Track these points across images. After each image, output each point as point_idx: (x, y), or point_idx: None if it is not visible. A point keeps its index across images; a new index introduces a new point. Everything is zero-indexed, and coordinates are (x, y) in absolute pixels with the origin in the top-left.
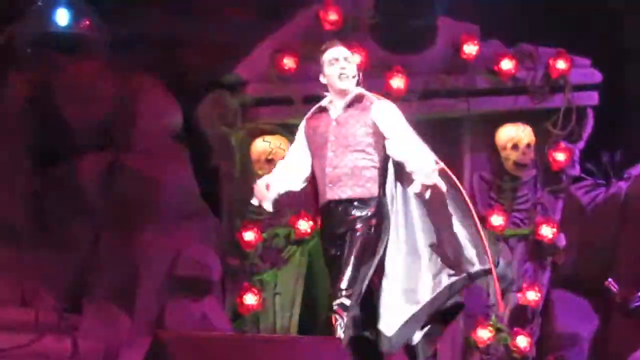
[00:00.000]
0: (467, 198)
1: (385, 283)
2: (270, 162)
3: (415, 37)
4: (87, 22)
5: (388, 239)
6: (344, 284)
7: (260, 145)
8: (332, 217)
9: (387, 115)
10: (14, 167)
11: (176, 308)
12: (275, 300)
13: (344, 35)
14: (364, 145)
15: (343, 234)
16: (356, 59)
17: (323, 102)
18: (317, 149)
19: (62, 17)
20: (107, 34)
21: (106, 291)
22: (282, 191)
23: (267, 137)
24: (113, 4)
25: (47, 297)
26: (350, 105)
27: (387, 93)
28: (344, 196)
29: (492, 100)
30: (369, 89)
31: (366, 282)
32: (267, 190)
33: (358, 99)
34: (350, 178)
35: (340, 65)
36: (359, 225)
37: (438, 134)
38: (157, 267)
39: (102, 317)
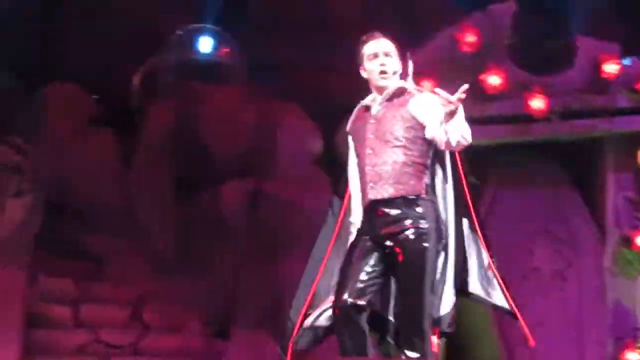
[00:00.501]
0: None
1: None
2: None
3: (554, 58)
4: (227, 50)
5: (446, 244)
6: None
7: None
8: (375, 218)
9: (425, 103)
10: (162, 197)
11: None
12: None
13: (482, 56)
14: (404, 141)
15: (389, 236)
16: (396, 52)
17: (365, 101)
18: (358, 148)
19: (203, 45)
20: (247, 61)
21: (252, 317)
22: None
23: None
24: (252, 31)
25: (194, 324)
26: (389, 100)
27: (528, 114)
28: (386, 195)
29: (634, 120)
30: (509, 110)
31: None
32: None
33: (398, 93)
34: (392, 176)
35: (380, 61)
36: (407, 232)
37: (579, 154)
38: None
39: (249, 343)
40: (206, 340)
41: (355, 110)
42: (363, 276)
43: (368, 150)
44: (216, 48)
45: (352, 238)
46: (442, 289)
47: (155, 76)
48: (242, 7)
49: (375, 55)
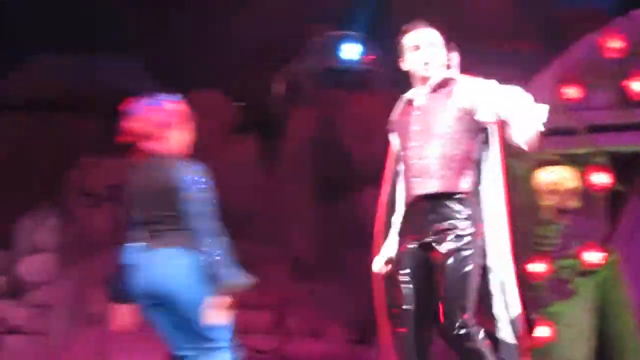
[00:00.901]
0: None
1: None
2: (555, 192)
3: None
4: (373, 57)
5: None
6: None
7: (545, 176)
8: (418, 213)
9: (471, 88)
10: (304, 202)
11: None
12: (565, 333)
13: (627, 62)
14: (452, 133)
15: (432, 234)
16: (441, 41)
17: (408, 94)
18: (402, 141)
19: (346, 52)
20: (391, 68)
21: None
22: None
23: (552, 168)
24: (395, 37)
25: (336, 329)
26: (434, 90)
27: None
28: (432, 190)
29: None
30: None
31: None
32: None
33: (443, 83)
34: (438, 170)
35: (423, 52)
36: (451, 233)
37: None
38: None
39: (390, 348)
40: (348, 345)
41: (399, 104)
42: (415, 289)
43: (413, 143)
44: (360, 55)
45: (393, 240)
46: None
47: (297, 83)
48: (387, 14)
49: (417, 47)
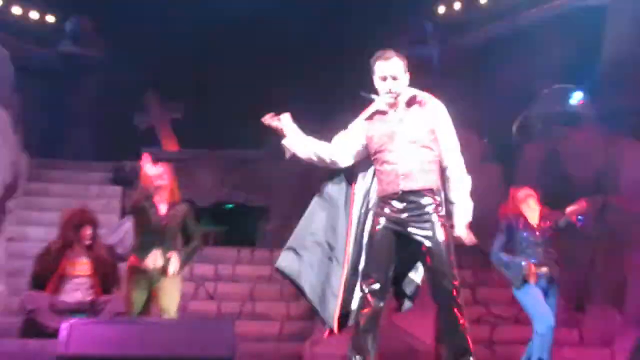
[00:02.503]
0: None
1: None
2: None
3: None
4: (582, 102)
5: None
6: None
7: None
8: (403, 204)
9: (441, 115)
10: None
11: None
12: None
13: None
14: (427, 142)
15: (414, 219)
16: (402, 70)
17: (380, 107)
18: (383, 144)
19: (573, 98)
20: (596, 109)
21: (602, 296)
22: (319, 150)
23: None
24: (602, 84)
25: (560, 300)
26: (408, 104)
27: None
28: (415, 187)
29: None
30: None
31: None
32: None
33: (413, 98)
34: (420, 171)
35: (388, 84)
36: (433, 218)
37: None
38: None
39: (600, 314)
40: (568, 312)
41: (368, 114)
42: (390, 266)
43: (400, 147)
44: (579, 100)
45: (369, 224)
46: None
47: (529, 123)
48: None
49: (384, 78)
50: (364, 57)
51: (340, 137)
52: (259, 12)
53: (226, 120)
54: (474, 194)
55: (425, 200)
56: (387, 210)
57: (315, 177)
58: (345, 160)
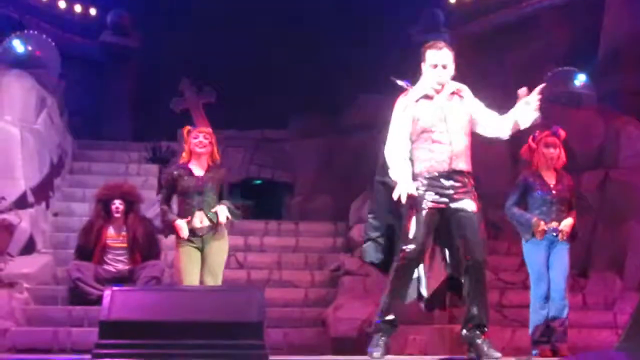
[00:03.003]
0: None
1: None
2: None
3: None
4: (583, 83)
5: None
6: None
7: None
8: (450, 182)
9: (474, 101)
10: None
11: None
12: None
13: None
14: (468, 130)
15: (457, 196)
16: (451, 60)
17: (428, 92)
18: (434, 125)
19: (577, 80)
20: (596, 90)
21: (604, 262)
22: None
23: None
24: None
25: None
26: (452, 94)
27: None
28: (464, 168)
29: None
30: None
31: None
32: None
33: (457, 90)
34: (465, 154)
35: (438, 72)
36: (471, 195)
37: None
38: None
39: (602, 280)
40: (572, 278)
41: (416, 96)
42: (426, 236)
43: (449, 131)
44: (576, 83)
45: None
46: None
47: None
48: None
49: (435, 66)
50: (381, 44)
51: (401, 130)
52: None
53: (254, 101)
54: (483, 172)
55: (467, 180)
56: (435, 185)
57: (336, 154)
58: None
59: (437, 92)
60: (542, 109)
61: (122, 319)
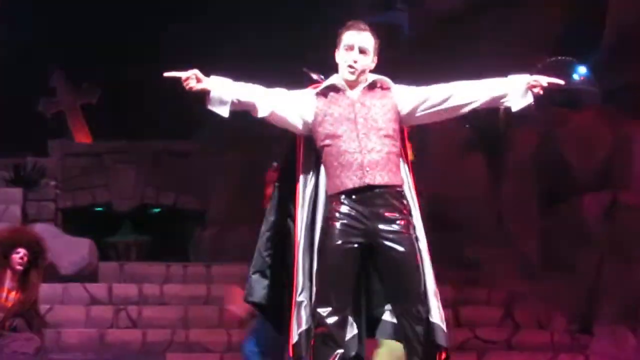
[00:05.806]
0: None
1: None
2: None
3: None
4: (583, 78)
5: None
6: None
7: None
8: (363, 201)
9: (406, 90)
10: (527, 208)
11: None
12: None
13: None
14: (391, 131)
15: (381, 222)
16: (373, 48)
17: (335, 81)
18: (341, 128)
19: (575, 73)
20: (599, 86)
21: (614, 313)
22: (255, 95)
23: None
24: (605, 58)
25: (560, 321)
26: (369, 88)
27: None
28: (382, 181)
29: None
30: None
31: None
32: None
33: (375, 83)
34: (386, 164)
35: (353, 57)
36: (401, 226)
37: None
38: None
39: (611, 337)
40: (571, 335)
41: (322, 86)
42: (348, 283)
43: (360, 135)
44: (581, 77)
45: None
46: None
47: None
48: (593, 37)
49: (351, 47)
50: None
51: (286, 93)
52: None
53: (150, 105)
54: (456, 191)
55: (395, 201)
56: (344, 210)
57: (259, 171)
58: (292, 120)
59: (350, 85)
60: (538, 100)
61: None
